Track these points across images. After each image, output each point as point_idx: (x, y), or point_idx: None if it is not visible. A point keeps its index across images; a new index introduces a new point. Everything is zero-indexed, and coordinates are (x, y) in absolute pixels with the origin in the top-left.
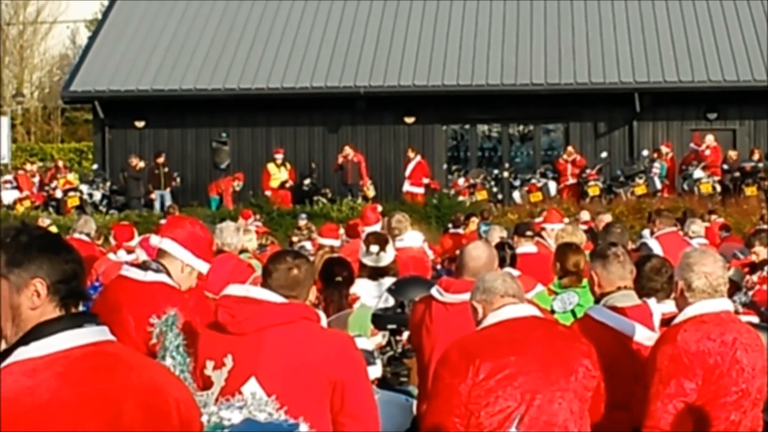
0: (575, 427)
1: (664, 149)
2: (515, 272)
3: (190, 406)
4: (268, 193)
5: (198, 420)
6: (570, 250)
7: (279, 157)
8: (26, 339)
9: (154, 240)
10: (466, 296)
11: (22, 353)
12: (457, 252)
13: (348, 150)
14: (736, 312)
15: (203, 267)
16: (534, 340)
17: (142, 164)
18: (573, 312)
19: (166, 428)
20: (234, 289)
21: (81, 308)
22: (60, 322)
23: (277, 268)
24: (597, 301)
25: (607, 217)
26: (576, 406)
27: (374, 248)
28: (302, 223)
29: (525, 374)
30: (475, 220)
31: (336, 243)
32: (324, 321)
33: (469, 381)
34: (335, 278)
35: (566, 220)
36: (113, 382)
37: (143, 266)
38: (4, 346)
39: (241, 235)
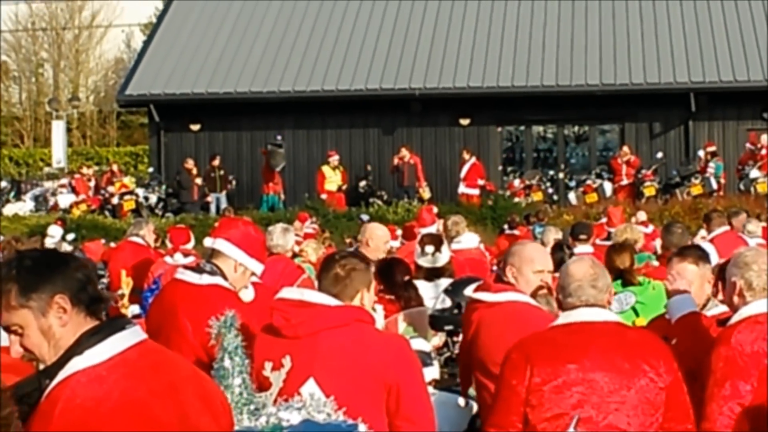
0: None
1: (710, 148)
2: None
3: (222, 394)
4: (323, 196)
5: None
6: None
7: (334, 159)
8: (75, 351)
9: (207, 242)
10: (504, 296)
11: (78, 363)
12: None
13: (404, 152)
14: None
15: (257, 267)
16: (596, 349)
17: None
18: (634, 309)
19: (218, 414)
20: (288, 293)
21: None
22: (103, 328)
23: (329, 269)
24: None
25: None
26: (634, 420)
27: (429, 249)
28: None
29: (580, 384)
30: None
31: (393, 244)
32: (381, 321)
33: (526, 382)
34: (402, 279)
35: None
36: (173, 374)
37: (198, 269)
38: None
39: (289, 237)
